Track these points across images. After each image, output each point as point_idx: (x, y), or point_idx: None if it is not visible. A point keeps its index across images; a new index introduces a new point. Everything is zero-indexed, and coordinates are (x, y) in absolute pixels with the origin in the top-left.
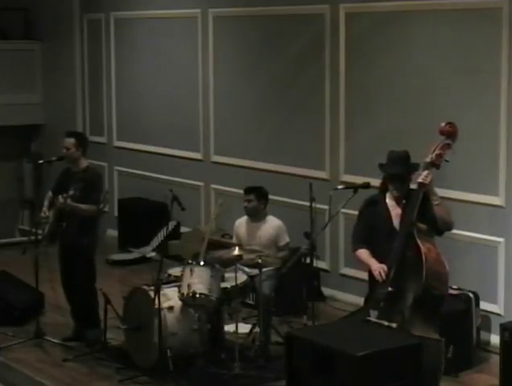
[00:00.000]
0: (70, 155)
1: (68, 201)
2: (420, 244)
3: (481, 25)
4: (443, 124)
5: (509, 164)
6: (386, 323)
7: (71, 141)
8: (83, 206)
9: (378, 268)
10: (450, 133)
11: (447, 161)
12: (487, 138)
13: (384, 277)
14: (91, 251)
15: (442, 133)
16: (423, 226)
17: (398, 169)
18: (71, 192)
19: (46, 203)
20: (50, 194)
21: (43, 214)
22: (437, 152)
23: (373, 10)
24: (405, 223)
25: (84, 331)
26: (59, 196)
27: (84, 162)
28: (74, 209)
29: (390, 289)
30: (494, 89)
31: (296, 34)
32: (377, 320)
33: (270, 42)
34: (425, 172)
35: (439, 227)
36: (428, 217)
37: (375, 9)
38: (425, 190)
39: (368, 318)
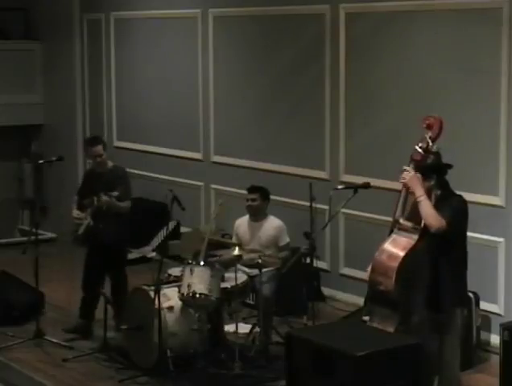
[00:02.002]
0: (103, 160)
1: (113, 200)
2: (387, 242)
3: (481, 25)
4: (423, 117)
5: (510, 164)
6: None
7: (100, 147)
8: (122, 204)
9: None
10: (427, 126)
11: (427, 157)
12: (487, 138)
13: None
14: (126, 243)
15: (422, 126)
16: (407, 223)
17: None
18: (115, 193)
19: (74, 206)
20: (76, 197)
21: (75, 215)
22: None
23: (373, 10)
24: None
25: (90, 328)
26: (102, 195)
27: (109, 162)
28: (114, 208)
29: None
30: (494, 89)
31: (296, 34)
32: (366, 318)
33: (270, 42)
34: (406, 169)
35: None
36: (417, 215)
37: (375, 9)
38: (407, 188)
39: (363, 317)
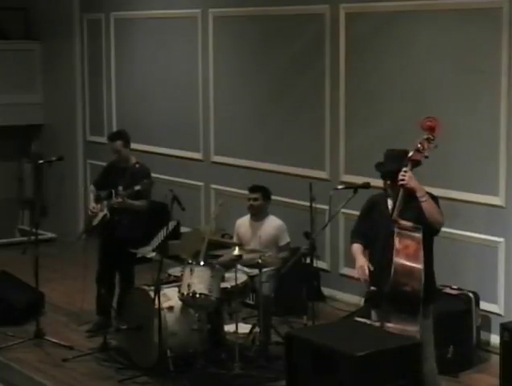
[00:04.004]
0: (122, 156)
1: (126, 200)
2: (396, 242)
3: (481, 25)
4: (423, 119)
5: (510, 164)
6: (367, 321)
7: (118, 143)
8: (137, 202)
9: (359, 266)
10: (429, 128)
11: (426, 157)
12: (487, 138)
13: (362, 276)
14: (138, 241)
15: (422, 128)
16: (407, 223)
17: (389, 166)
18: (137, 187)
19: (92, 197)
20: (92, 188)
21: (92, 208)
22: (416, 147)
23: (373, 10)
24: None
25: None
26: (117, 197)
27: (132, 158)
28: (128, 206)
29: (372, 288)
30: (494, 89)
31: (296, 34)
32: (361, 319)
33: (270, 42)
34: (404, 170)
35: (429, 225)
36: (416, 214)
37: (375, 9)
38: (407, 188)
39: (355, 318)
